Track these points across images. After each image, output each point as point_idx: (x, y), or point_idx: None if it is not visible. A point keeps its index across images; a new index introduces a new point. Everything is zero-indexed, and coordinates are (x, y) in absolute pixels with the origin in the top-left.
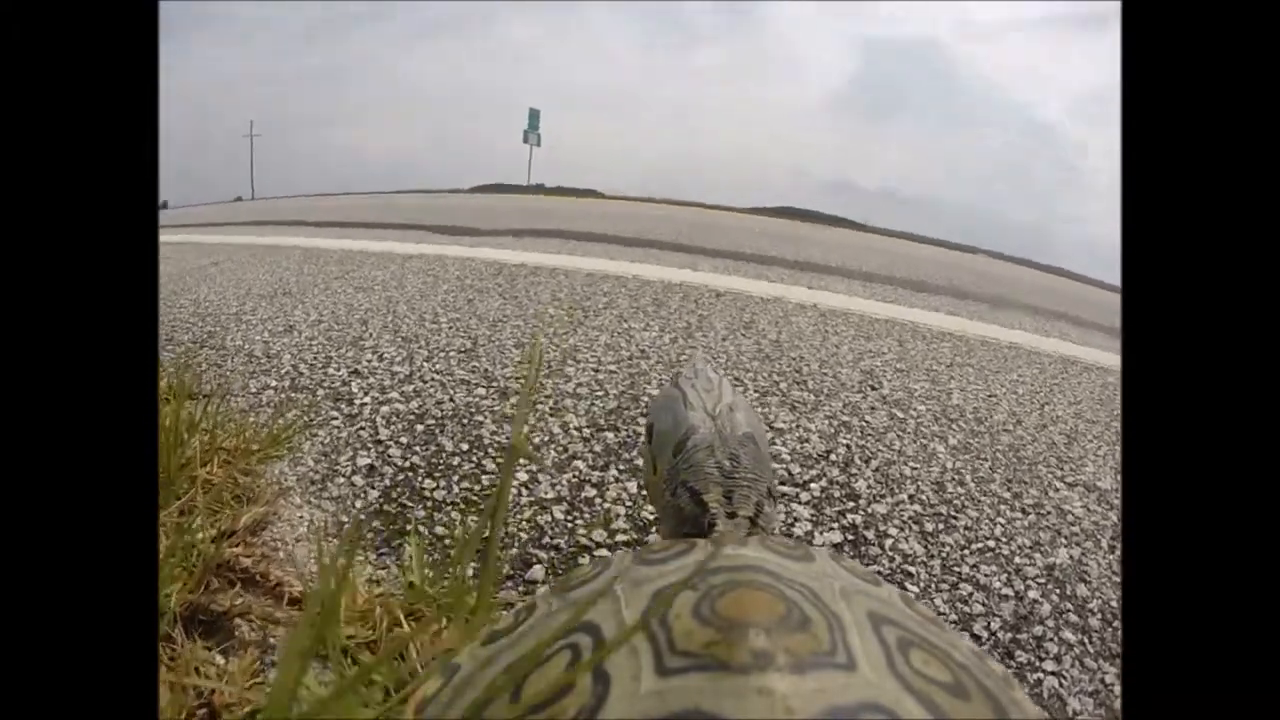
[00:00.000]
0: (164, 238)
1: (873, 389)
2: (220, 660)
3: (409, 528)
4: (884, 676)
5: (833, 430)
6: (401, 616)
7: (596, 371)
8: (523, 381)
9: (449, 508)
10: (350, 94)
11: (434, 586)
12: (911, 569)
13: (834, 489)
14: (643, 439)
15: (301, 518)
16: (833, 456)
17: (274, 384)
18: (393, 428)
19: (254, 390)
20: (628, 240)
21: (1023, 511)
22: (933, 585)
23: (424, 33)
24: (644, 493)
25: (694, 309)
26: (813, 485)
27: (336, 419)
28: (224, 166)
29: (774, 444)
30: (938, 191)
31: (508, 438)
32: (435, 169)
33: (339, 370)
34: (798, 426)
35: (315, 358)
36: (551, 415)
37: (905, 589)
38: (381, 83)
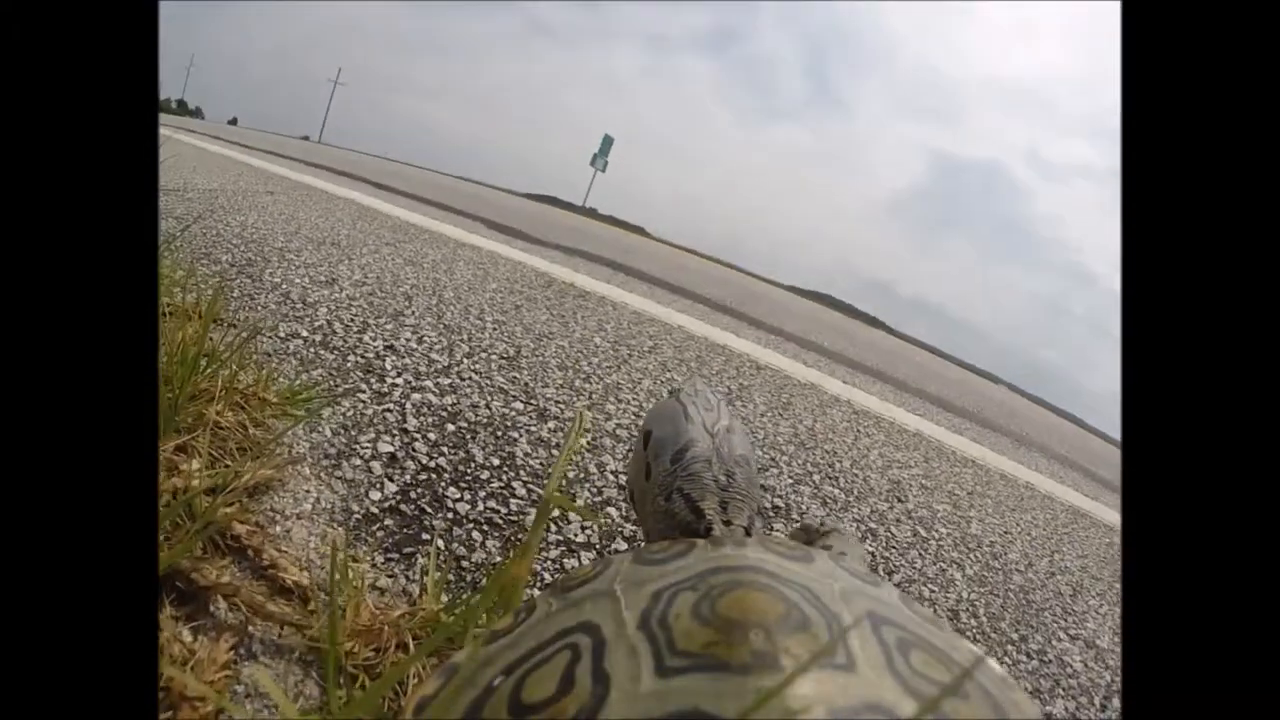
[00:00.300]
0: (228, 153)
1: (899, 501)
2: (188, 637)
3: (426, 537)
4: (883, 677)
5: (860, 535)
6: (410, 640)
7: (638, 416)
8: (564, 436)
9: (470, 525)
10: (439, 71)
11: (448, 614)
12: None
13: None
14: (637, 443)
15: (308, 492)
16: None
17: (304, 334)
18: (422, 419)
19: (283, 336)
20: (674, 287)
21: (1027, 656)
22: None
23: (527, 34)
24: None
25: (735, 376)
26: None
27: (364, 393)
28: (300, 104)
29: None
30: (970, 313)
31: (542, 464)
32: (495, 165)
33: (375, 341)
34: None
35: (352, 320)
36: (589, 452)
37: None
38: (473, 69)
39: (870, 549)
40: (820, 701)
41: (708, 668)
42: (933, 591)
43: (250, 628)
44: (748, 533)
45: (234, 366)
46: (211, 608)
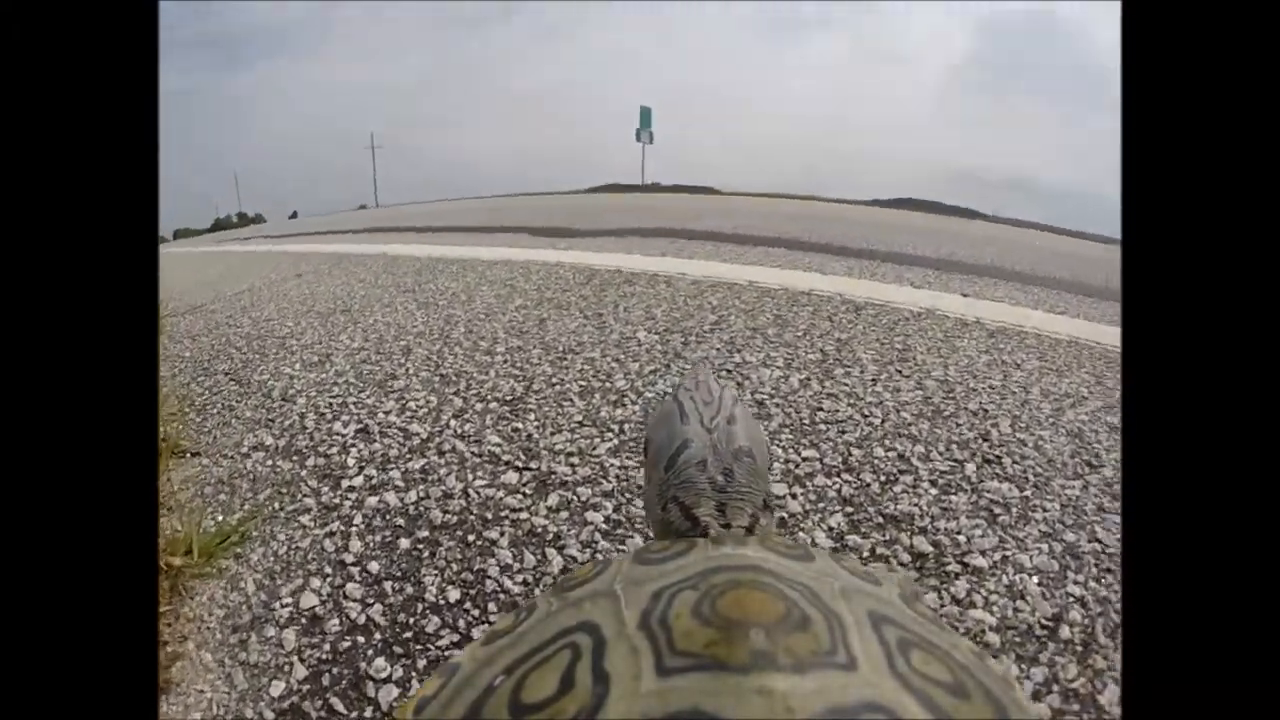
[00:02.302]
0: (268, 247)
1: (1091, 467)
2: None
3: None
4: (884, 676)
5: (1059, 566)
6: None
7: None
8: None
9: None
10: (469, 101)
11: None
12: None
13: (1072, 709)
14: (642, 454)
15: (201, 691)
16: (1064, 628)
17: (270, 441)
18: (371, 538)
19: (245, 450)
20: (743, 238)
21: None
22: None
23: (537, 38)
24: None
25: (829, 329)
26: (1043, 703)
27: (310, 510)
28: (351, 176)
29: (974, 592)
30: (1069, 178)
31: (528, 581)
32: (555, 171)
33: (348, 427)
34: (1004, 560)
35: (330, 404)
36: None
37: None
38: (499, 89)
39: (1077, 589)
40: (820, 701)
41: (708, 667)
42: None
43: None
44: (750, 531)
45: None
46: None
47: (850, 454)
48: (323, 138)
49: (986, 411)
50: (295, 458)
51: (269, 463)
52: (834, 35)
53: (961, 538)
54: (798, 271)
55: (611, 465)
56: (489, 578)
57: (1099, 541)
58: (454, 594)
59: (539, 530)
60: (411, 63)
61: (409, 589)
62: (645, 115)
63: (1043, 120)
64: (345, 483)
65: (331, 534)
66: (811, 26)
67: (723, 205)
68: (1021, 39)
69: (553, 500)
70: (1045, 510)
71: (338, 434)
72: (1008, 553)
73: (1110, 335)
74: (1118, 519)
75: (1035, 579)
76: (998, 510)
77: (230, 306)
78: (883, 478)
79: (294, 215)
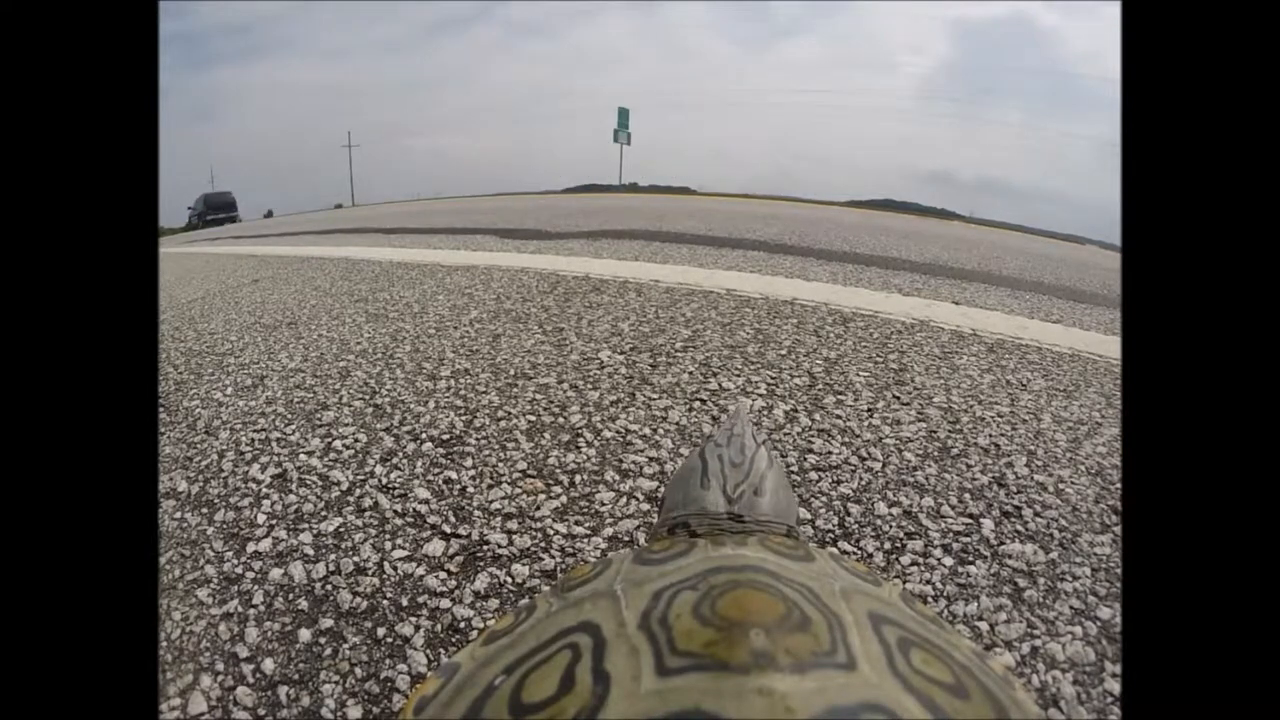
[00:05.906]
0: (233, 249)
1: (1119, 514)
2: None
3: None
4: (884, 676)
5: (1095, 655)
6: None
7: (659, 485)
8: (524, 502)
9: None
10: (445, 101)
11: None
12: None
13: None
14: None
15: None
16: None
17: (183, 488)
18: (269, 624)
19: (158, 496)
20: (721, 240)
21: None
22: None
23: (511, 38)
24: None
25: (815, 344)
26: None
27: (210, 582)
28: (328, 174)
29: None
30: (1040, 180)
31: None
32: (533, 171)
33: (265, 471)
34: (1034, 653)
35: (253, 440)
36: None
37: None
38: (475, 90)
39: (1117, 680)
40: (820, 701)
41: (708, 667)
42: None
43: None
44: None
45: None
46: None
47: (847, 512)
48: (301, 137)
49: (999, 447)
50: (205, 510)
51: (178, 515)
52: (807, 41)
53: (983, 624)
54: (779, 278)
55: (555, 533)
56: (397, 691)
57: None
58: (354, 712)
59: (461, 626)
60: (390, 61)
61: (305, 698)
62: (623, 116)
63: (1010, 125)
64: (251, 546)
65: (228, 616)
66: (784, 32)
67: (699, 206)
68: (995, 43)
69: (481, 584)
70: (1075, 579)
71: (253, 480)
72: (1037, 642)
73: (1110, 346)
74: None
75: (1070, 675)
76: (1022, 582)
77: (180, 317)
78: (887, 545)
79: (269, 214)
